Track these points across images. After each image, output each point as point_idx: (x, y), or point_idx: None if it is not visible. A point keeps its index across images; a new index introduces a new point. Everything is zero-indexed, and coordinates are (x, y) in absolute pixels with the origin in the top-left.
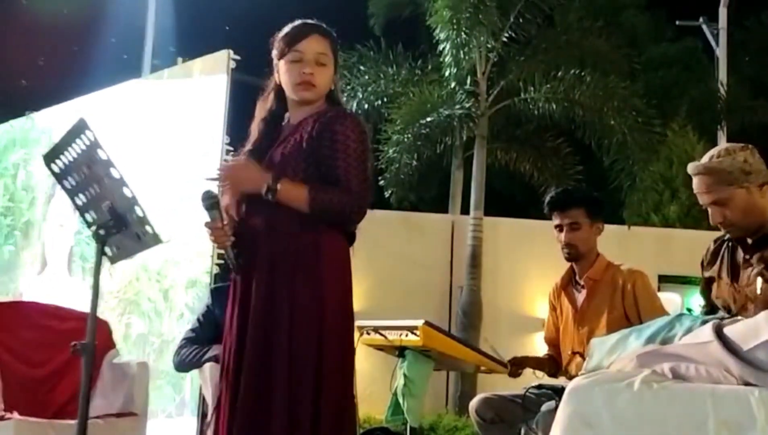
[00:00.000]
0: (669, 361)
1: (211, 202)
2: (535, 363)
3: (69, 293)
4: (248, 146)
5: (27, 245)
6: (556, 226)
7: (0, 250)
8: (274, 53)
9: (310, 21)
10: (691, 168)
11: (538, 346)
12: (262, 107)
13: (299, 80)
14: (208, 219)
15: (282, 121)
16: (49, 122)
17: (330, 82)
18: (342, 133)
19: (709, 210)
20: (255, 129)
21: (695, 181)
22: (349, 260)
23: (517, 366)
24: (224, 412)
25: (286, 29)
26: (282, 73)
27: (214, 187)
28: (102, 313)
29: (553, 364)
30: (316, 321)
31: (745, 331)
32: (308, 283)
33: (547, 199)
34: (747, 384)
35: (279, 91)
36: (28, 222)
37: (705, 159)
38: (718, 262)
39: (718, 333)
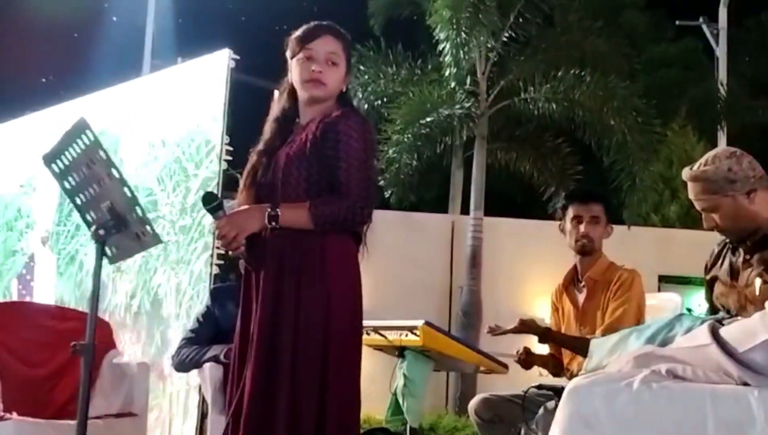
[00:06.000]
0: (665, 363)
1: (213, 205)
2: (541, 361)
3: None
4: (260, 145)
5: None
6: (574, 218)
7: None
8: (288, 53)
9: (324, 23)
10: (683, 174)
11: (538, 346)
12: (276, 106)
13: (309, 77)
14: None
15: (294, 122)
16: (104, 125)
17: (341, 82)
18: (345, 133)
19: (702, 215)
20: (267, 128)
21: (688, 187)
22: (357, 261)
23: (527, 356)
24: (232, 414)
25: (300, 29)
26: (293, 71)
27: (212, 189)
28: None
29: (556, 362)
30: (321, 324)
31: (741, 332)
32: (314, 285)
33: (569, 191)
34: (745, 385)
35: (292, 90)
36: None
37: (694, 166)
38: (719, 264)
39: (714, 335)
